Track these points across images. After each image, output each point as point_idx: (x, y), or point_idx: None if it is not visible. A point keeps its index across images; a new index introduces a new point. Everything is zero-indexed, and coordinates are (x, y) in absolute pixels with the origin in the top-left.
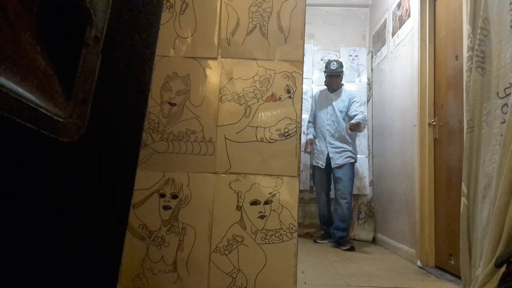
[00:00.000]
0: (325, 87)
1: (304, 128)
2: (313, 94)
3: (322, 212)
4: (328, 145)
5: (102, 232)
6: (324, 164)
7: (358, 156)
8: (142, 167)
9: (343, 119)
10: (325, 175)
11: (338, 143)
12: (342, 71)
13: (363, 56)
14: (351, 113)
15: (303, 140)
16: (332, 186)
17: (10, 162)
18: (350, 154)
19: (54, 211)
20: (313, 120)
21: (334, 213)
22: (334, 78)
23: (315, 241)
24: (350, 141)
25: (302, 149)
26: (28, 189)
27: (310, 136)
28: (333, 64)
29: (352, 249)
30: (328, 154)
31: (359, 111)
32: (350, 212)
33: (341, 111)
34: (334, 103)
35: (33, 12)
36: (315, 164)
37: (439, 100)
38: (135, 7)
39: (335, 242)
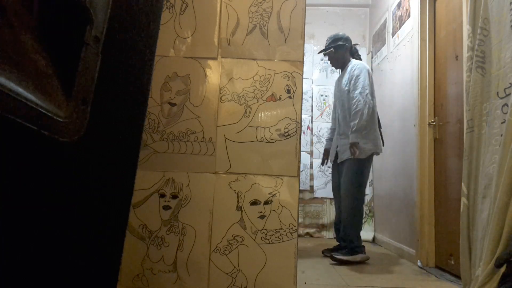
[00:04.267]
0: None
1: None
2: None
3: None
4: (337, 136)
5: (102, 232)
6: (333, 159)
7: None
8: (142, 167)
9: (348, 100)
10: (336, 173)
11: (346, 133)
12: (335, 46)
13: (363, 56)
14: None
15: (303, 140)
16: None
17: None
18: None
19: (54, 211)
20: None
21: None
22: (329, 56)
23: (332, 257)
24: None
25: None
26: (28, 189)
27: (326, 146)
28: (326, 42)
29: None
30: (337, 147)
31: (356, 99)
32: (351, 217)
33: (342, 90)
34: (339, 83)
35: (33, 12)
36: (330, 160)
37: (439, 100)
38: (135, 7)
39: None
